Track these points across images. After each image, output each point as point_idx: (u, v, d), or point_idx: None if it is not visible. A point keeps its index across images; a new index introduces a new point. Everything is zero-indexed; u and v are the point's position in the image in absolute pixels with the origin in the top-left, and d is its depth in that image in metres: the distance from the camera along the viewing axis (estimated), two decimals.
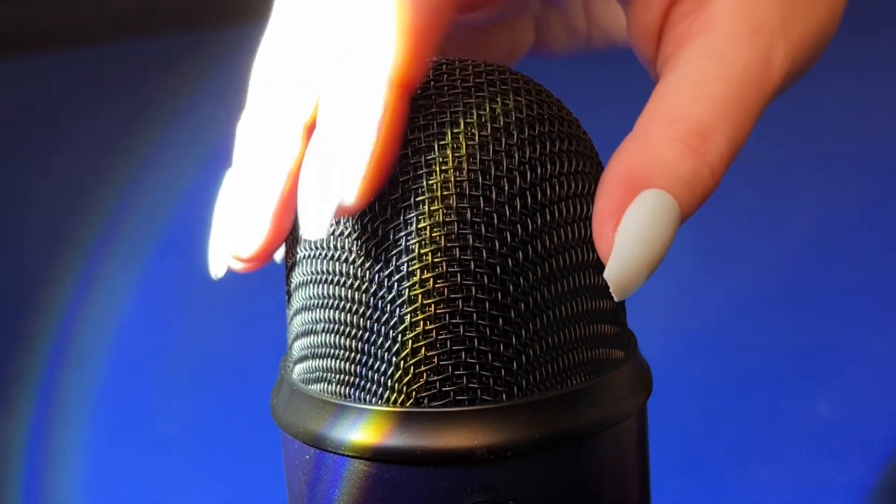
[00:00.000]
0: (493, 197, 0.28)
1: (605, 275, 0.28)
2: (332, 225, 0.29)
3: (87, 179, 1.20)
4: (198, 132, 1.17)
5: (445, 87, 0.29)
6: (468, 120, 0.28)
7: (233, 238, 0.30)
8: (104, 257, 0.98)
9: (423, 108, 0.29)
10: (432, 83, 0.29)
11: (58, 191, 1.21)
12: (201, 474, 0.67)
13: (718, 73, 0.30)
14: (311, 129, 0.29)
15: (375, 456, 0.28)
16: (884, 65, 1.14)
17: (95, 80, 1.52)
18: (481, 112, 0.29)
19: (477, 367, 0.28)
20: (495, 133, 0.28)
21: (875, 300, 0.79)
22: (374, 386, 0.28)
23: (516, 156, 0.28)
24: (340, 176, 0.27)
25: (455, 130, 0.28)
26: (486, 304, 0.28)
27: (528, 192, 0.28)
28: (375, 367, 0.28)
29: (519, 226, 0.28)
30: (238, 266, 0.31)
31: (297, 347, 0.31)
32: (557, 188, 0.29)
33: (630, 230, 0.28)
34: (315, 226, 0.28)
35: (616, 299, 0.28)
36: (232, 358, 0.81)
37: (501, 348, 0.28)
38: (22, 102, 1.47)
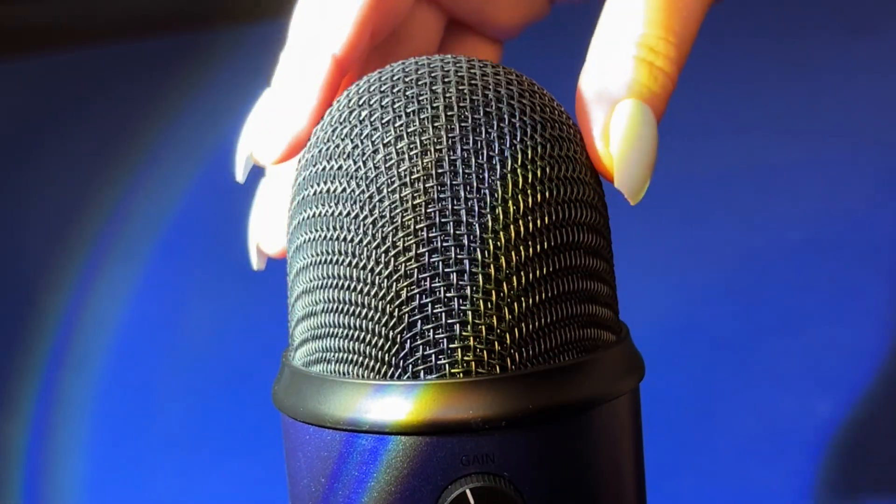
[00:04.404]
0: (486, 176, 0.29)
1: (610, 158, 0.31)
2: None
3: (87, 179, 1.20)
4: (198, 132, 1.17)
5: (439, 76, 0.30)
6: (461, 104, 0.30)
7: (268, 129, 0.34)
8: (104, 257, 0.99)
9: (417, 94, 0.30)
10: (413, 71, 0.30)
11: (58, 191, 1.21)
12: (201, 474, 0.67)
13: None
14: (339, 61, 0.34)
15: (371, 429, 0.29)
16: (884, 65, 1.14)
17: (95, 80, 1.52)
18: (474, 97, 0.30)
19: (471, 339, 0.29)
20: (488, 117, 0.30)
21: (875, 300, 0.79)
22: (371, 361, 0.29)
23: (507, 139, 0.30)
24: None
25: (449, 114, 0.30)
26: (480, 278, 0.28)
27: (519, 172, 0.29)
28: (372, 342, 0.29)
29: (511, 203, 0.29)
30: (270, 154, 0.34)
31: (299, 332, 0.32)
32: (548, 170, 0.30)
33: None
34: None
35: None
36: (232, 357, 0.81)
37: (495, 322, 0.29)
38: (22, 102, 1.48)
